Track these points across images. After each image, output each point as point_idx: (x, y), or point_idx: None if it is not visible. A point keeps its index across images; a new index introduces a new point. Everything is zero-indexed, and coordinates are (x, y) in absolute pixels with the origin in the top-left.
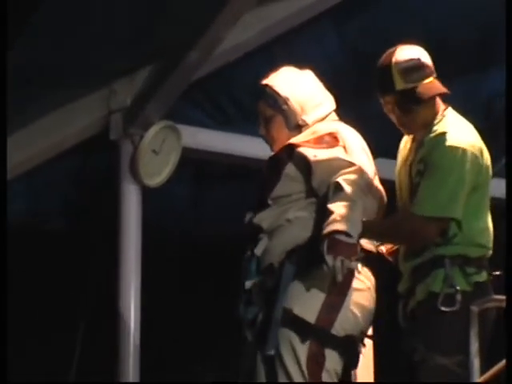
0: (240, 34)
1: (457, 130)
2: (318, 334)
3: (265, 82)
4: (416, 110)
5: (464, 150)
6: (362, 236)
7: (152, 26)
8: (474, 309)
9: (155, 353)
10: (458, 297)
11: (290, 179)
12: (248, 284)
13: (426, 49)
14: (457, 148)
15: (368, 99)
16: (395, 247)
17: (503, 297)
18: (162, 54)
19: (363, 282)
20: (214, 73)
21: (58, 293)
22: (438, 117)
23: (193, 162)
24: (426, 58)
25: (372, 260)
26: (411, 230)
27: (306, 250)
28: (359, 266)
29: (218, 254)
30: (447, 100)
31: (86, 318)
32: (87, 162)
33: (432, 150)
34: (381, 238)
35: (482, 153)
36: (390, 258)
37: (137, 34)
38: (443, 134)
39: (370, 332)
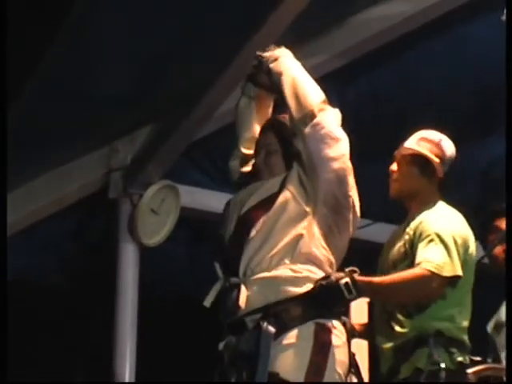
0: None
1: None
2: None
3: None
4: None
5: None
6: (367, 295)
7: (153, 86)
8: (472, 377)
9: None
10: (442, 374)
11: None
12: (220, 345)
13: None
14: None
15: (368, 162)
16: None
17: (501, 365)
18: (163, 114)
19: (339, 337)
20: (213, 133)
21: (55, 349)
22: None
23: (191, 222)
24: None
25: (342, 314)
26: (428, 289)
27: (285, 308)
28: (334, 322)
29: (215, 314)
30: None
31: (82, 376)
32: (86, 219)
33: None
34: (386, 297)
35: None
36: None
37: (138, 94)
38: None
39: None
